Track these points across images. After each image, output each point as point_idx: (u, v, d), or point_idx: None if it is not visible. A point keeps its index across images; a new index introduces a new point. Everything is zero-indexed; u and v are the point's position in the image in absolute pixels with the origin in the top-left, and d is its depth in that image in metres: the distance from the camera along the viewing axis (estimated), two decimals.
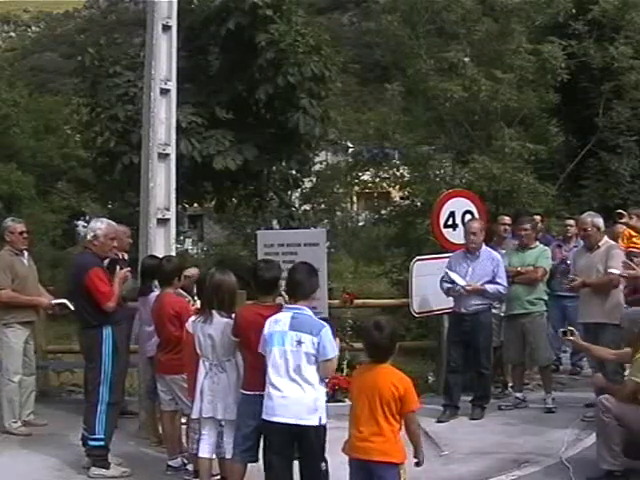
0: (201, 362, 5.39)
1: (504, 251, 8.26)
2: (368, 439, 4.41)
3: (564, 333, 6.56)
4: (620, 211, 7.59)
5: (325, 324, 4.88)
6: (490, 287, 7.49)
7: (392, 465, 4.41)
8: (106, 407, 6.03)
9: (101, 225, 6.23)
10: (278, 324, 4.94)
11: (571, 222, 9.56)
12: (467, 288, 7.44)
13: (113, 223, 6.45)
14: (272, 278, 5.25)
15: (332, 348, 4.83)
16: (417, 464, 4.55)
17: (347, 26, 62.53)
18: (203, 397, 5.35)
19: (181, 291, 6.35)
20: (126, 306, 6.78)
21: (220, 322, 5.32)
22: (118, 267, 6.33)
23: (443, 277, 7.74)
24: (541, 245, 8.18)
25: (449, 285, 7.62)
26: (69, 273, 6.46)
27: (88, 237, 6.22)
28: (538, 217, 9.67)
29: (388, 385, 4.40)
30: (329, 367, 4.88)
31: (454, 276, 7.53)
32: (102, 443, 6.02)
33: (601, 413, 5.60)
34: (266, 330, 4.95)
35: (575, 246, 8.98)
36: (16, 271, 7.22)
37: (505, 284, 7.56)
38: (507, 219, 9.18)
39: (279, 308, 5.17)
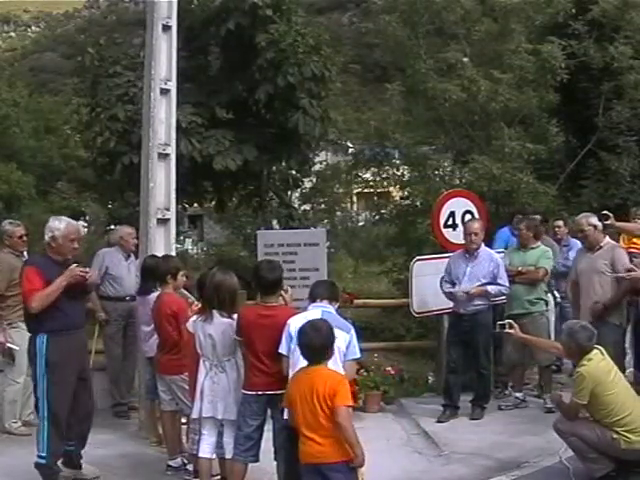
0: (201, 362, 5.40)
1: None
2: (317, 442, 4.38)
3: (502, 326, 6.56)
4: (605, 212, 7.56)
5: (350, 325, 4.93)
6: (492, 288, 7.52)
7: (345, 463, 4.37)
8: (47, 423, 5.56)
9: (59, 225, 5.65)
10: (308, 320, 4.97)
11: (559, 223, 9.61)
12: (471, 292, 7.44)
13: (74, 222, 5.93)
14: (275, 278, 5.27)
15: (359, 349, 4.87)
16: (350, 465, 4.37)
17: (347, 26, 62.53)
18: (203, 397, 5.36)
19: (184, 291, 6.35)
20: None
21: (220, 322, 5.33)
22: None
23: (443, 277, 7.75)
24: (543, 245, 8.19)
25: (450, 288, 7.62)
26: None
27: (45, 238, 5.69)
28: (538, 216, 9.67)
29: (323, 384, 4.39)
30: (354, 368, 4.90)
31: (453, 290, 7.55)
32: (43, 461, 5.61)
33: (563, 439, 5.72)
34: (293, 327, 4.96)
35: (565, 245, 9.04)
36: (18, 272, 7.18)
37: (507, 284, 7.58)
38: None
39: (281, 308, 5.18)
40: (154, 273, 6.34)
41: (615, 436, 5.45)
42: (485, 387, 7.78)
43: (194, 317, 5.54)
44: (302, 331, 4.57)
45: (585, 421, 5.64)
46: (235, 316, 5.31)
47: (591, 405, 5.52)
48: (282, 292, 5.36)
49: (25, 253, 7.42)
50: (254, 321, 5.16)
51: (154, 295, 6.35)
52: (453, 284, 7.64)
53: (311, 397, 4.40)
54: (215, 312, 5.34)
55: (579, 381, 5.51)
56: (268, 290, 5.25)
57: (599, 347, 5.65)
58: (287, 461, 5.10)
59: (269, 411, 5.25)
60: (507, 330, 6.50)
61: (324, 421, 4.36)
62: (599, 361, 5.58)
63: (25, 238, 7.38)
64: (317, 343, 4.48)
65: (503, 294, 7.66)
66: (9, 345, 7.12)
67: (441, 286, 7.77)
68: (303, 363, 4.87)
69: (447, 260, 7.90)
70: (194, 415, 5.46)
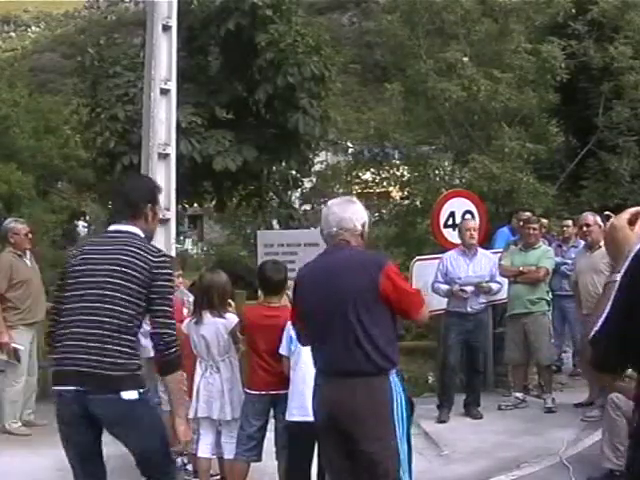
0: (197, 362, 5.41)
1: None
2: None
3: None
4: (607, 213, 7.57)
5: None
6: (495, 286, 7.56)
7: None
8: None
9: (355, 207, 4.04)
10: None
11: (568, 222, 9.59)
12: (483, 284, 7.43)
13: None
14: (280, 280, 5.27)
15: None
16: None
17: (347, 26, 62.53)
18: (199, 397, 5.37)
19: (185, 290, 6.35)
20: None
21: (212, 322, 5.32)
22: None
23: (436, 279, 7.69)
24: (544, 245, 8.19)
25: (447, 287, 7.60)
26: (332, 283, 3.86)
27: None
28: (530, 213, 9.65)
29: None
30: None
31: (467, 288, 7.53)
32: None
33: (611, 410, 5.54)
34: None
35: (574, 246, 9.01)
36: (18, 273, 7.16)
37: (502, 283, 7.67)
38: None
39: (284, 309, 5.18)
40: None
41: None
42: (479, 385, 7.80)
43: (187, 319, 5.55)
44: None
45: None
46: (227, 315, 5.32)
47: None
48: (287, 293, 5.35)
49: (28, 253, 7.41)
50: (257, 321, 5.17)
51: None
52: (450, 284, 7.61)
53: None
54: (206, 312, 5.34)
55: None
56: (272, 291, 5.25)
57: None
58: (289, 461, 5.10)
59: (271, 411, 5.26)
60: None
61: None
62: None
63: (30, 235, 7.37)
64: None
65: (499, 292, 7.74)
66: (14, 345, 7.10)
67: (435, 290, 7.68)
68: (304, 364, 4.86)
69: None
70: (190, 415, 5.45)
